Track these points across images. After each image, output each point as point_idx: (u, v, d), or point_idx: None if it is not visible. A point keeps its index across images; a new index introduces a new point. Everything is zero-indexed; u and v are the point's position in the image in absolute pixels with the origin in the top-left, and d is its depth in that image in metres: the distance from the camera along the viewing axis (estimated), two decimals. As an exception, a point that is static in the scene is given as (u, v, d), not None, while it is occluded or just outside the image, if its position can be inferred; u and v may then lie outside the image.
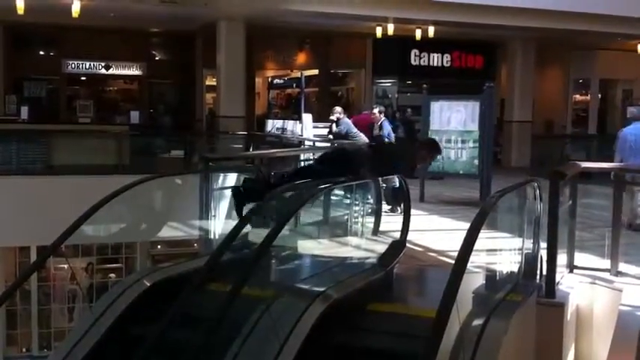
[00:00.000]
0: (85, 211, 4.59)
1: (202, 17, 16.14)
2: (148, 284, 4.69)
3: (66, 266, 12.91)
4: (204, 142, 15.86)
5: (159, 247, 13.68)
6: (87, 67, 19.53)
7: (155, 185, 6.54)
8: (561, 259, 5.44)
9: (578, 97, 21.61)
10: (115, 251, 13.74)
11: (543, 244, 5.07)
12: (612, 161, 8.83)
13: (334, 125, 12.22)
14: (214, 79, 17.70)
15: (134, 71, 20.11)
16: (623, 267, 5.67)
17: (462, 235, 3.45)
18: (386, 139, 11.37)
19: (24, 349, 13.22)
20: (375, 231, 6.56)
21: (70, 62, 19.16)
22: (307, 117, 14.10)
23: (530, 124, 18.72)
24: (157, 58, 20.25)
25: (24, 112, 15.64)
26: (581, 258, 5.88)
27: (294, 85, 20.31)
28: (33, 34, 18.25)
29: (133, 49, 19.24)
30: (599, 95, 21.29)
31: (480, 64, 19.81)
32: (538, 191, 5.15)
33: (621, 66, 19.72)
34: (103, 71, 19.73)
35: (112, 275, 13.48)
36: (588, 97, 21.23)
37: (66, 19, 14.31)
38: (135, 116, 16.71)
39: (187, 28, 18.01)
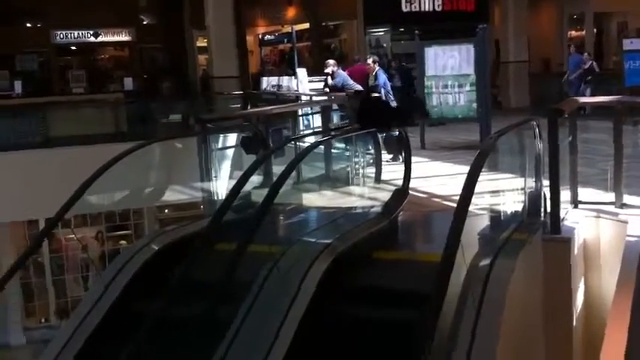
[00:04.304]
0: (85, 180, 4.58)
1: (188, -23, 15.92)
2: (157, 248, 4.72)
3: (76, 236, 12.98)
4: (201, 104, 15.77)
5: (166, 211, 13.74)
6: (76, 36, 19.35)
7: (156, 150, 6.53)
8: (565, 195, 5.45)
9: (573, 32, 21.37)
10: (123, 218, 13.82)
11: (546, 182, 5.08)
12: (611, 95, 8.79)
13: (329, 78, 12.13)
14: (205, 40, 17.53)
15: (124, 37, 19.93)
16: (627, 199, 5.68)
17: (464, 178, 3.45)
18: (382, 89, 11.30)
19: (42, 320, 13.44)
20: (378, 180, 6.57)
21: (59, 33, 18.98)
22: (302, 72, 14.00)
23: (527, 64, 18.55)
24: (145, 23, 20.02)
25: (17, 86, 15.57)
26: (585, 193, 5.89)
27: (286, 40, 20.11)
28: (19, 7, 18.01)
29: (120, 15, 19.02)
30: (595, 30, 21.03)
31: (471, 7, 19.48)
32: (537, 129, 5.13)
33: (615, -2, 19.46)
34: (93, 39, 19.56)
35: (123, 242, 13.58)
36: (583, 33, 21.00)
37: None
38: (128, 83, 16.61)
39: (174, -10, 17.78)
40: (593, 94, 14.00)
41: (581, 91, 15.21)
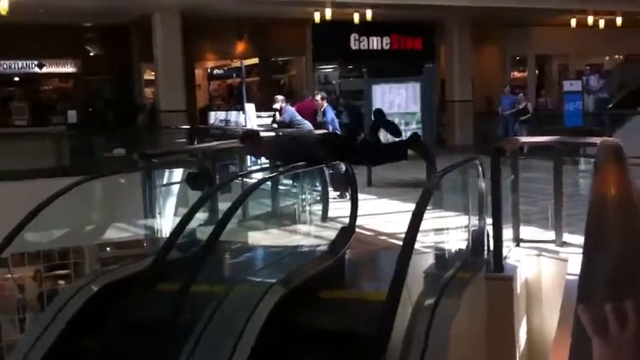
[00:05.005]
0: (24, 217, 4.44)
1: (136, 9, 15.80)
2: (96, 288, 4.58)
3: (12, 276, 12.51)
4: (147, 138, 15.58)
5: (108, 249, 13.38)
6: (19, 66, 18.94)
7: (98, 186, 6.39)
8: (507, 233, 5.54)
9: (516, 73, 22.03)
10: (63, 257, 13.35)
11: (489, 220, 5.15)
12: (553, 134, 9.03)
13: (277, 114, 12.17)
14: (153, 74, 17.40)
15: (69, 69, 19.60)
16: (567, 237, 5.80)
17: (410, 216, 3.47)
18: (329, 125, 11.39)
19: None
20: (324, 218, 6.56)
21: (1, 63, 18.56)
22: (250, 107, 14.01)
23: (472, 103, 18.98)
24: (92, 54, 19.75)
25: (-45, 118, 15.10)
26: (527, 231, 6.00)
27: (235, 75, 20.13)
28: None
29: (66, 46, 18.69)
30: (536, 71, 21.73)
31: (419, 46, 19.94)
32: (480, 168, 5.22)
33: (556, 41, 20.16)
34: (37, 70, 19.16)
35: (62, 282, 13.11)
36: (525, 74, 21.67)
37: (-7, 19, 13.81)
38: (72, 116, 16.29)
39: (122, 22, 17.61)
40: (529, 134, 14.45)
41: (517, 130, 15.69)
